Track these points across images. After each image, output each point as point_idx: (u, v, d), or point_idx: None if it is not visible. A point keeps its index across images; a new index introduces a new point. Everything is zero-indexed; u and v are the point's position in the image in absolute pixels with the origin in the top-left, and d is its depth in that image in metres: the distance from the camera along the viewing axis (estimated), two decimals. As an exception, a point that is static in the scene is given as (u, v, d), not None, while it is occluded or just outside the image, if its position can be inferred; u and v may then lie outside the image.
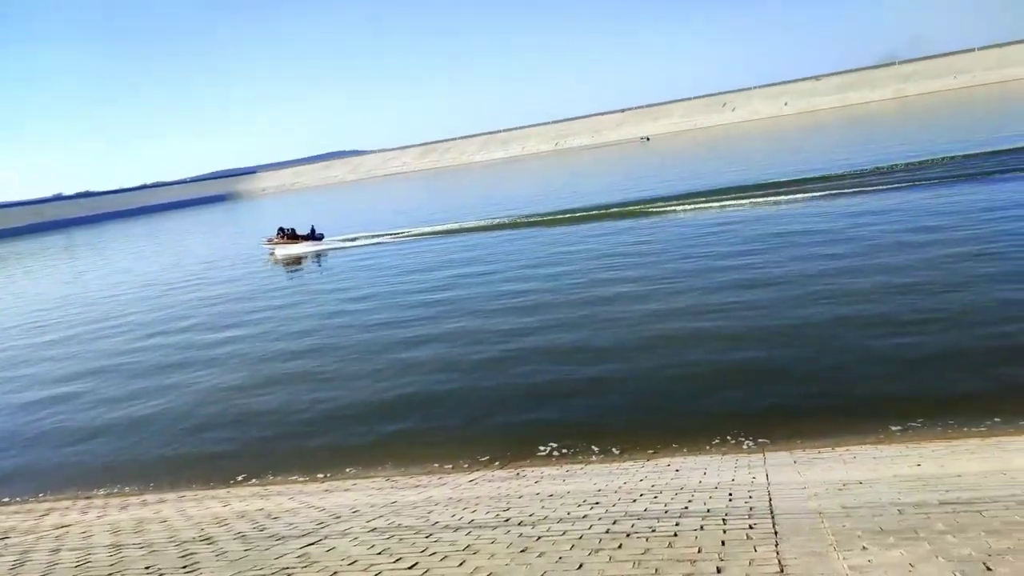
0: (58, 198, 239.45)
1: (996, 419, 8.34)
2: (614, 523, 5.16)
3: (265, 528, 6.11)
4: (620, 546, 4.53)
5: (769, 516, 5.04)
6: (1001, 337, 10.62)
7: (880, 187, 26.95)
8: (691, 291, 15.87)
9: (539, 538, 4.93)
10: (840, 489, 5.80)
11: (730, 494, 5.96)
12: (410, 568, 4.41)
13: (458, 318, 16.77)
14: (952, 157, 31.53)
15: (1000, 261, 14.45)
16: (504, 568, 4.27)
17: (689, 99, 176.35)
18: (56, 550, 6.11)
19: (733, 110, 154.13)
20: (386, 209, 64.25)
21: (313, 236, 37.18)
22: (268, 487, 9.06)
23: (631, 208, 32.65)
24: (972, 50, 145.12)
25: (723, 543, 4.41)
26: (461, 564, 4.42)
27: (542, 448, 9.34)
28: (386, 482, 8.37)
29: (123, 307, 26.98)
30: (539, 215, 35.40)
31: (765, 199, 28.98)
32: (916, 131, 54.35)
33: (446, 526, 5.61)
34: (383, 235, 37.29)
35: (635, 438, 9.29)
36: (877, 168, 32.16)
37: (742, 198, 29.94)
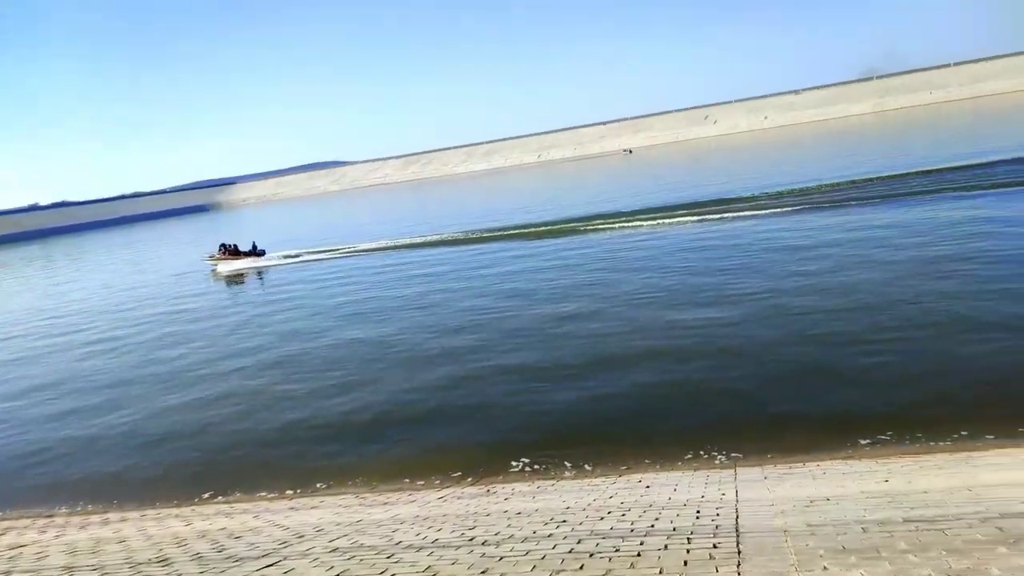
0: (34, 208, 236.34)
1: (963, 432, 8.38)
2: (579, 542, 5.09)
3: (225, 549, 5.96)
4: (582, 567, 4.45)
5: (734, 535, 4.99)
6: (967, 354, 10.69)
7: (849, 203, 27.18)
8: (665, 307, 15.86)
9: (501, 558, 4.85)
10: (807, 506, 5.77)
11: (698, 511, 5.91)
12: (366, 591, 4.31)
13: (432, 335, 16.65)
14: (927, 171, 31.94)
15: (964, 279, 14.59)
16: (462, 591, 4.18)
17: (671, 112, 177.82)
18: (7, 572, 5.93)
19: (715, 123, 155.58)
20: (355, 222, 63.96)
21: (255, 252, 37.61)
22: (234, 504, 8.89)
23: (599, 223, 32.66)
24: (948, 65, 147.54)
25: (685, 563, 4.35)
26: (419, 587, 4.33)
27: (514, 464, 9.26)
28: (354, 499, 8.24)
29: (83, 322, 26.54)
30: (492, 230, 35.44)
31: (734, 214, 29.07)
32: (887, 146, 55.11)
33: (409, 546, 5.50)
34: (332, 249, 37.34)
35: (608, 453, 9.22)
36: (839, 183, 32.51)
37: (710, 213, 30.06)
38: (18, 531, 8.37)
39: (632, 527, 5.54)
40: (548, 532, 5.56)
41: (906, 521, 4.85)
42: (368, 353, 15.58)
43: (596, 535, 5.31)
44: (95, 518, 8.85)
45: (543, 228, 33.49)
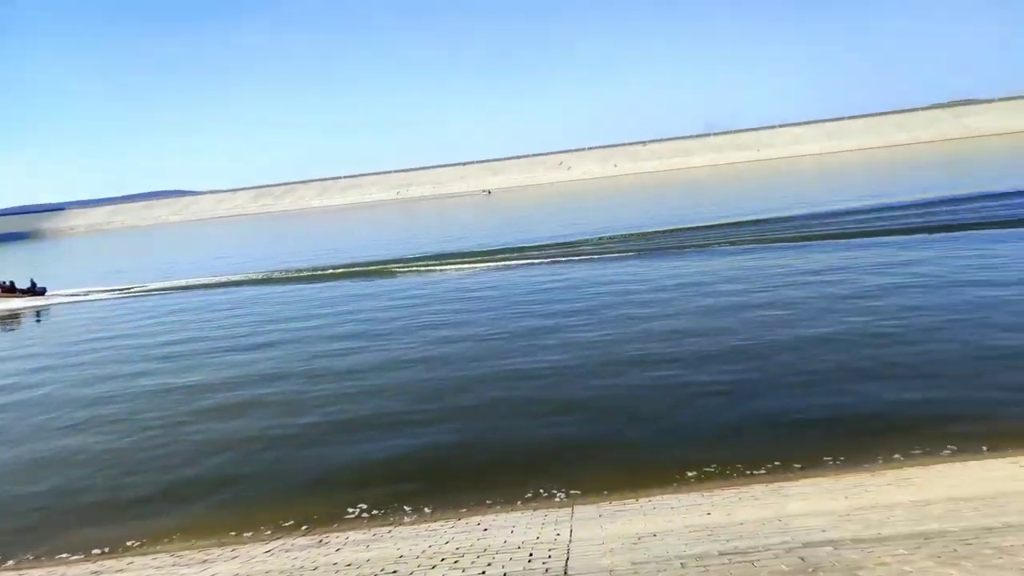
0: None
1: (776, 463, 8.96)
2: (405, 594, 4.89)
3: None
4: (404, 621, 4.27)
5: (562, 577, 5.00)
6: (784, 385, 11.56)
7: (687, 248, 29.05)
8: (503, 354, 15.85)
9: (320, 617, 4.55)
10: (635, 544, 5.90)
11: (530, 555, 5.88)
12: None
13: (258, 383, 15.86)
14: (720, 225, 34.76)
15: (781, 320, 15.90)
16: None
17: (529, 156, 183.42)
18: None
19: (569, 169, 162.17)
20: (182, 256, 60.64)
21: (33, 291, 34.99)
22: (26, 571, 7.87)
23: (418, 264, 32.90)
24: (774, 127, 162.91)
25: (509, 610, 4.28)
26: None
27: (351, 510, 8.86)
28: (169, 558, 7.53)
29: None
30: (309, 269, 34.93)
31: (553, 259, 30.07)
32: (684, 200, 59.78)
33: (221, 609, 5.06)
34: (126, 288, 35.10)
35: (448, 496, 9.05)
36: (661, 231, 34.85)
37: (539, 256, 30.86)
38: None
39: (463, 575, 5.42)
40: (375, 584, 5.32)
41: (721, 554, 5.07)
42: (179, 401, 14.53)
43: (424, 585, 5.13)
44: None
45: (370, 267, 33.17)
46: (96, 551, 8.43)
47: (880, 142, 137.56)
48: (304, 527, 8.56)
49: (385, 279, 29.83)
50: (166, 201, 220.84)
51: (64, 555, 8.45)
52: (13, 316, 31.24)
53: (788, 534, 5.46)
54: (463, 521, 8.07)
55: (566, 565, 5.39)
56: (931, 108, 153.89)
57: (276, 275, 34.39)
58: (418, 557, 6.25)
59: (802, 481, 8.36)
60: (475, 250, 35.24)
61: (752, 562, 4.71)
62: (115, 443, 12.25)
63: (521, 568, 5.40)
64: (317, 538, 7.86)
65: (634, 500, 8.29)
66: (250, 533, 8.51)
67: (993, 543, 4.40)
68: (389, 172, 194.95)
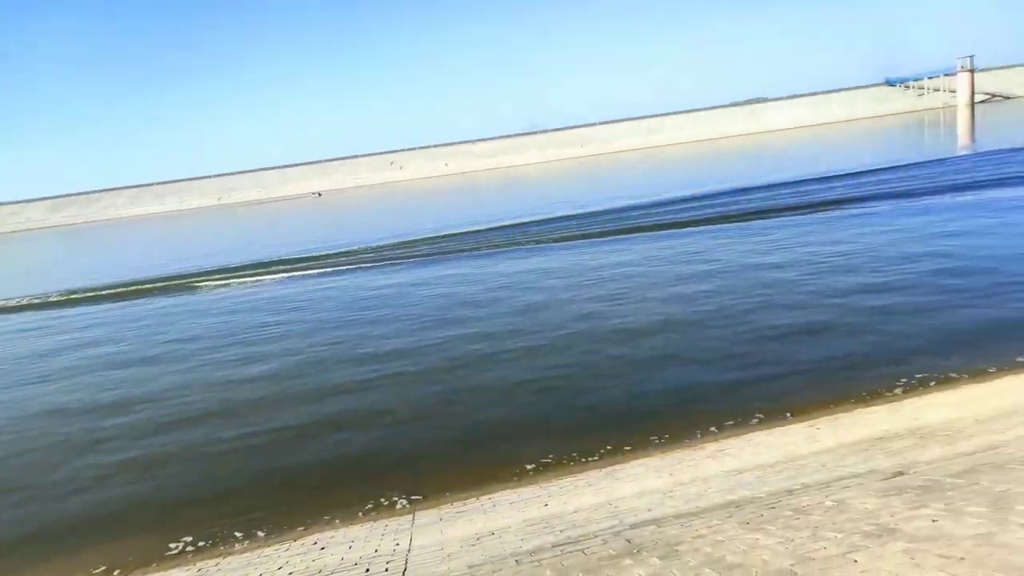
0: None
1: (608, 447, 9.35)
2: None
3: None
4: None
5: (399, 589, 4.88)
6: (609, 372, 12.12)
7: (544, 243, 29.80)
8: (324, 368, 15.42)
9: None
10: (473, 544, 5.89)
11: (367, 570, 5.70)
12: None
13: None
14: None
15: (602, 314, 16.69)
16: None
17: (359, 156, 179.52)
18: None
19: (400, 168, 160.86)
20: None
21: None
22: None
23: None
24: (594, 124, 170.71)
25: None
26: None
27: (173, 545, 8.18)
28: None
29: None
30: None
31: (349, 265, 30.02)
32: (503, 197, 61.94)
33: None
34: None
35: (284, 516, 8.61)
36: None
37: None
38: None
39: (295, 601, 5.14)
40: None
41: (554, 546, 5.17)
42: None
43: (252, 619, 4.81)
44: None
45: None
46: None
47: (689, 136, 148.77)
48: (116, 571, 7.79)
49: (188, 294, 27.84)
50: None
51: None
52: None
53: (617, 517, 5.69)
54: (299, 542, 7.70)
55: (404, 576, 5.27)
56: (731, 106, 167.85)
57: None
58: (247, 588, 5.87)
59: (632, 463, 8.78)
60: (290, 257, 33.88)
61: (583, 550, 4.85)
62: None
63: (357, 586, 5.22)
64: (133, 582, 7.17)
65: (475, 499, 8.31)
66: (55, 586, 7.63)
67: (792, 504, 4.83)
68: (209, 177, 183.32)
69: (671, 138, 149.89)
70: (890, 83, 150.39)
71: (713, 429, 9.65)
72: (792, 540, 3.98)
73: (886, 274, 16.00)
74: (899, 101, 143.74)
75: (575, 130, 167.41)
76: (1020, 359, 10.48)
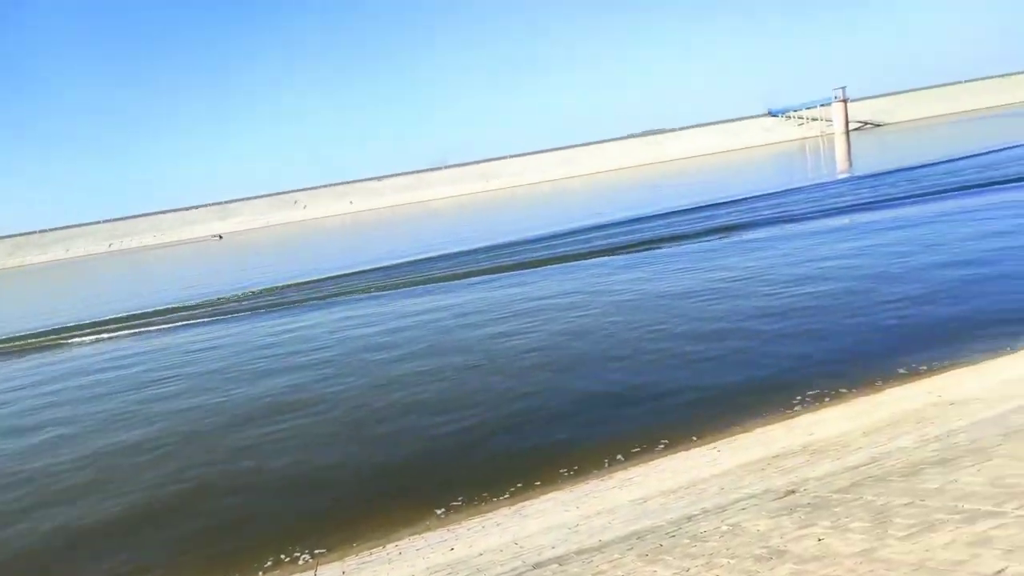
0: None
1: (519, 484, 9.24)
2: None
3: None
4: None
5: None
6: (512, 412, 12.06)
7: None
8: (216, 421, 14.85)
9: None
10: (375, 598, 5.63)
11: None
12: None
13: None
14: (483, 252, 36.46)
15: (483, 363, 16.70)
16: None
17: (261, 197, 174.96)
18: None
19: (304, 207, 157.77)
20: None
21: None
22: None
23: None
24: (504, 158, 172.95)
25: None
26: None
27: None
28: None
29: None
30: None
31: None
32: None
33: None
34: None
35: (176, 582, 8.05)
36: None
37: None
38: None
39: None
40: None
41: (457, 593, 5.00)
42: None
43: None
44: None
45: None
46: None
47: (595, 168, 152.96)
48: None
49: (52, 353, 26.25)
50: None
51: None
52: None
53: (521, 558, 5.57)
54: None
55: (299, 641, 4.95)
56: (632, 137, 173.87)
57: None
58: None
59: (541, 498, 8.69)
60: (172, 307, 32.34)
61: (486, 595, 4.70)
62: None
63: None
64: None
65: (382, 548, 8.01)
66: None
67: (691, 531, 4.85)
68: (99, 222, 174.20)
69: (579, 169, 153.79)
70: (772, 113, 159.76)
71: (620, 458, 9.71)
72: (688, 570, 3.98)
73: (777, 297, 16.68)
74: (783, 130, 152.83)
75: (485, 164, 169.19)
76: (902, 371, 11.09)
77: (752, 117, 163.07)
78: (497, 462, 10.09)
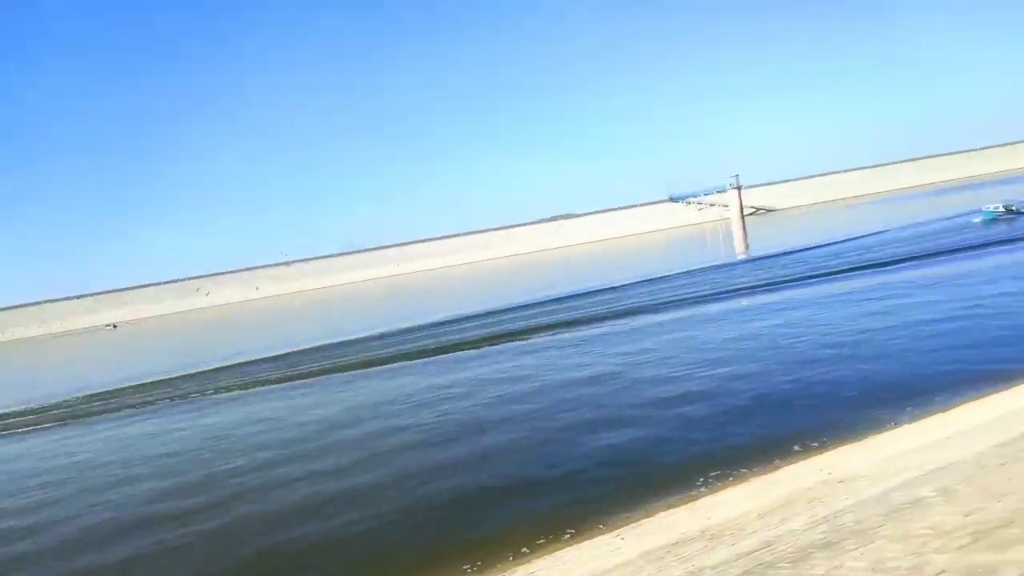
0: None
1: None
2: None
3: None
4: None
5: None
6: (413, 510, 11.61)
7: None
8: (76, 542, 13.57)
9: None
10: None
11: None
12: None
13: None
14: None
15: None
16: None
17: (160, 284, 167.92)
18: None
19: (207, 295, 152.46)
20: None
21: None
22: None
23: None
24: (408, 243, 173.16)
25: None
26: None
27: None
28: None
29: None
30: None
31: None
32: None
33: None
34: None
35: None
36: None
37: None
38: None
39: None
40: None
41: None
42: None
43: None
44: None
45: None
46: None
47: (505, 252, 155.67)
48: None
49: None
50: None
51: None
52: None
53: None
54: None
55: None
56: (541, 222, 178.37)
57: None
58: None
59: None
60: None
61: None
62: None
63: None
64: None
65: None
66: None
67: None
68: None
69: (485, 255, 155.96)
70: (674, 199, 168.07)
71: (525, 551, 9.40)
72: None
73: (680, 381, 16.84)
74: (684, 215, 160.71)
75: (394, 249, 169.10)
76: (797, 448, 11.36)
77: (656, 203, 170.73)
78: (400, 559, 9.61)
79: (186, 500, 13.61)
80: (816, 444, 11.33)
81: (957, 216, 50.99)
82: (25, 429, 24.89)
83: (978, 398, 12.09)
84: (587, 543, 9.01)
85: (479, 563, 9.25)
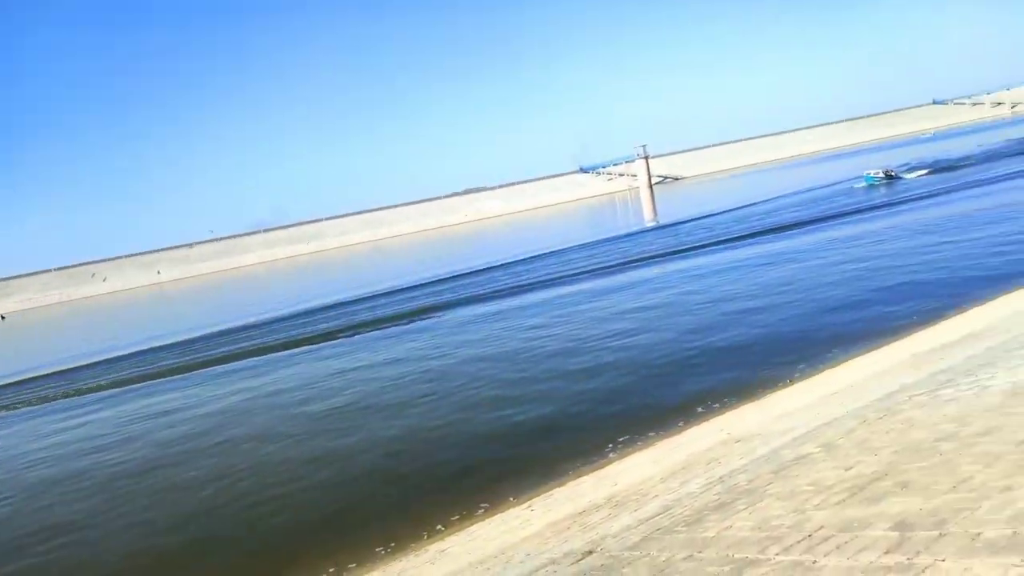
0: None
1: (331, 569, 8.66)
2: None
3: None
4: None
5: None
6: (312, 487, 11.43)
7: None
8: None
9: None
10: None
11: None
12: None
13: None
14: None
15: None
16: None
17: (51, 271, 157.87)
18: None
19: (104, 280, 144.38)
20: None
21: None
22: None
23: None
24: (320, 220, 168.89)
25: None
26: None
27: None
28: None
29: None
30: None
31: None
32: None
33: None
34: None
35: None
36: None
37: None
38: None
39: None
40: None
41: None
42: None
43: None
44: None
45: None
46: None
47: (416, 227, 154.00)
48: None
49: None
50: None
51: None
52: None
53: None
54: None
55: None
56: (452, 196, 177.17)
57: None
58: None
59: (354, 581, 8.15)
60: None
61: None
62: None
63: None
64: None
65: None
66: None
67: (490, 610, 4.63)
68: None
69: (401, 230, 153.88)
70: (583, 170, 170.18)
71: (440, 527, 9.37)
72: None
73: (590, 351, 17.10)
74: (595, 185, 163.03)
75: (304, 226, 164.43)
76: (700, 409, 11.73)
77: (567, 174, 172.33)
78: (306, 542, 9.42)
79: None
80: (717, 405, 11.72)
81: (843, 181, 53.80)
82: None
83: (867, 352, 12.78)
84: (499, 517, 9.04)
85: (392, 544, 9.16)
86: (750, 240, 32.30)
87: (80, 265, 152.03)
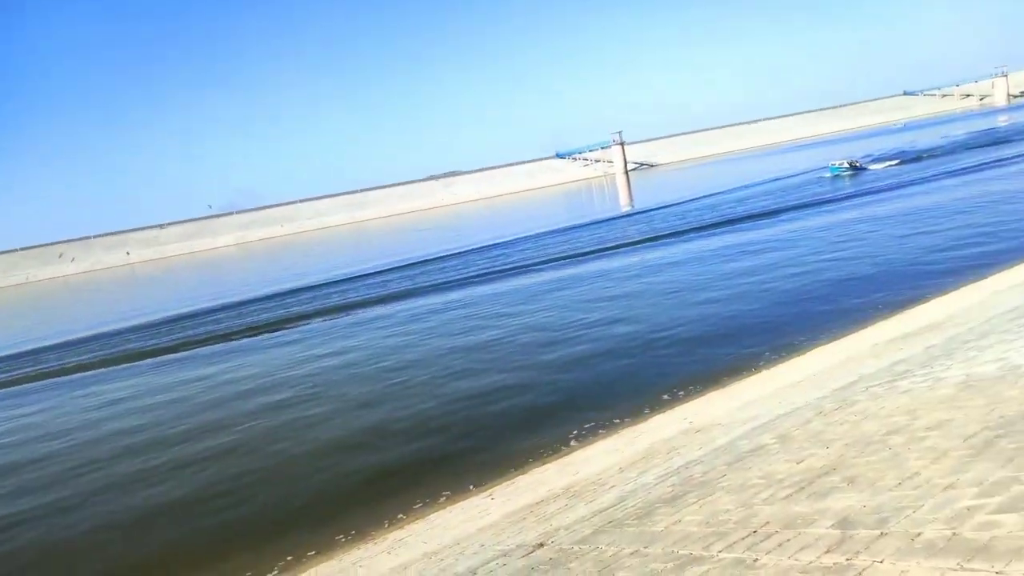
0: None
1: (288, 557, 8.57)
2: None
3: None
4: None
5: None
6: (276, 479, 11.27)
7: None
8: None
9: None
10: None
11: None
12: None
13: None
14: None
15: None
16: None
17: (17, 250, 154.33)
18: None
19: (72, 260, 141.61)
20: None
21: None
22: None
23: None
24: (295, 202, 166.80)
25: None
26: None
27: None
28: None
29: None
30: None
31: None
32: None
33: None
34: None
35: None
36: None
37: None
38: None
39: None
40: None
41: None
42: None
43: None
44: None
45: None
46: None
47: (392, 211, 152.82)
48: None
49: None
50: None
51: None
52: None
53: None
54: None
55: None
56: (430, 179, 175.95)
57: None
58: None
59: (309, 571, 8.04)
60: None
61: None
62: None
63: None
64: None
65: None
66: None
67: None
68: None
69: (377, 212, 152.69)
70: (560, 156, 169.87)
71: (401, 516, 9.28)
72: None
73: (564, 341, 17.01)
74: (571, 171, 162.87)
75: (278, 208, 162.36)
76: (666, 397, 11.72)
77: (543, 159, 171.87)
78: (269, 530, 9.28)
79: None
80: (683, 393, 11.72)
81: (809, 171, 54.29)
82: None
83: (832, 340, 12.86)
84: (460, 505, 8.97)
85: (353, 532, 9.06)
86: (721, 229, 32.44)
87: (47, 245, 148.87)
